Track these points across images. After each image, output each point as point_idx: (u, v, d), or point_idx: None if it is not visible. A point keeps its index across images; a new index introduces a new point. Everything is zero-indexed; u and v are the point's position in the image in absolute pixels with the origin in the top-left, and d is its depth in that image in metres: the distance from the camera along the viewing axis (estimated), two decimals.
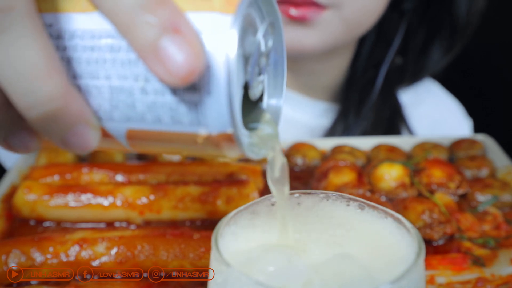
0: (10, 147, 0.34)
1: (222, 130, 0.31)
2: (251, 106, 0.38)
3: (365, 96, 1.03)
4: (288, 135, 0.95)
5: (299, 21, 0.85)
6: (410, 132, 1.05)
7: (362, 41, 1.06)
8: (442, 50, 1.05)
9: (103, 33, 0.31)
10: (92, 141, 0.32)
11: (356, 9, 0.87)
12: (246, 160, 0.81)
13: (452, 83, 1.18)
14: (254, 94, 0.36)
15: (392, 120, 1.04)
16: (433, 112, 1.11)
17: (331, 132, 1.01)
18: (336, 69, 1.05)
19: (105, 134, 0.33)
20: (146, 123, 0.32)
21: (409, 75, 1.07)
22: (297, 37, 0.87)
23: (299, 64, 1.00)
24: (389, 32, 1.05)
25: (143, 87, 0.31)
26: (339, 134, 1.01)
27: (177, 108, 0.31)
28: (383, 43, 1.06)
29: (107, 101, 0.32)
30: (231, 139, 0.32)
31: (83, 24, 0.32)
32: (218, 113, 0.31)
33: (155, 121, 0.32)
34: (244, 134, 0.34)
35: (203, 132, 0.32)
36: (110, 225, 0.68)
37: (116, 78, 0.31)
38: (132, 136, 0.33)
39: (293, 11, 0.83)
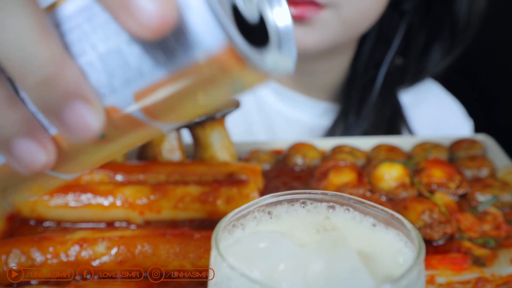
0: (14, 157, 0.32)
1: (217, 43, 0.29)
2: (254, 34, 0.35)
3: (366, 96, 1.03)
4: (288, 135, 0.95)
5: (297, 20, 0.85)
6: (411, 132, 1.05)
7: (362, 41, 1.06)
8: (443, 51, 1.05)
9: (76, 11, 0.31)
10: (93, 120, 0.30)
11: (354, 9, 0.87)
12: (246, 160, 0.81)
13: (453, 83, 1.18)
14: (250, 12, 0.34)
15: (392, 120, 1.04)
16: (434, 113, 1.11)
17: (331, 132, 1.01)
18: (336, 69, 1.05)
19: (116, 114, 0.32)
20: (145, 76, 0.31)
21: (410, 76, 1.07)
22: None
23: (299, 64, 0.99)
24: (389, 32, 1.05)
25: (127, 39, 0.30)
26: (339, 134, 1.00)
27: (166, 44, 0.30)
28: (383, 43, 1.05)
29: (102, 71, 0.31)
30: (233, 52, 0.29)
31: (60, 14, 0.32)
32: (205, 25, 0.28)
33: (153, 67, 0.30)
34: (249, 49, 0.30)
35: (201, 55, 0.29)
36: (110, 225, 0.68)
37: (100, 43, 0.31)
38: (142, 100, 0.32)
39: (291, 10, 0.83)
